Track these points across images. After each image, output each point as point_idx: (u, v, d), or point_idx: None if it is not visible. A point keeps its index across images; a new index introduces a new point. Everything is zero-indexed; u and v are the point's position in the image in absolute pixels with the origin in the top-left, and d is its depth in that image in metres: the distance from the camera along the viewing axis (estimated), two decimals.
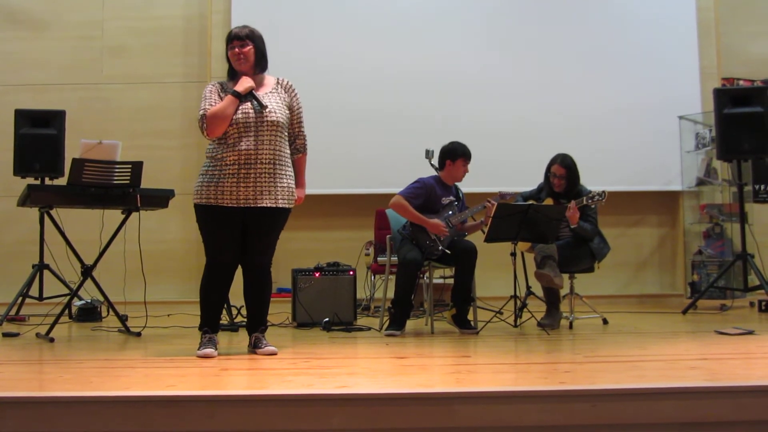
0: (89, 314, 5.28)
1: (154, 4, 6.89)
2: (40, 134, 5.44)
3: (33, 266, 5.40)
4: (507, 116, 6.60)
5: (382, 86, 6.61)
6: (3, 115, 6.06)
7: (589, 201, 4.70)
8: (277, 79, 3.77)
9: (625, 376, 2.89)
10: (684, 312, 5.52)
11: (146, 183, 4.56)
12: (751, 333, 4.14)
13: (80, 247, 4.78)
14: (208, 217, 3.59)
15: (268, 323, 3.86)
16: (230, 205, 3.54)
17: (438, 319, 4.98)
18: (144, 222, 4.52)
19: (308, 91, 6.51)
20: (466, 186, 4.91)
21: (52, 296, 5.39)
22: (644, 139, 6.61)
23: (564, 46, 6.72)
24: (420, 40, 6.66)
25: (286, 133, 3.70)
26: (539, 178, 5.02)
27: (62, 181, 4.88)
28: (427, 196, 4.64)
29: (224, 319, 4.93)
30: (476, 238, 4.68)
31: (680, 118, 6.64)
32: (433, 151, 4.90)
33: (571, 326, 4.66)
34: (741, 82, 6.66)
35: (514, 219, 4.43)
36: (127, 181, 4.43)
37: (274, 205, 3.59)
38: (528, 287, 5.10)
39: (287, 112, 3.69)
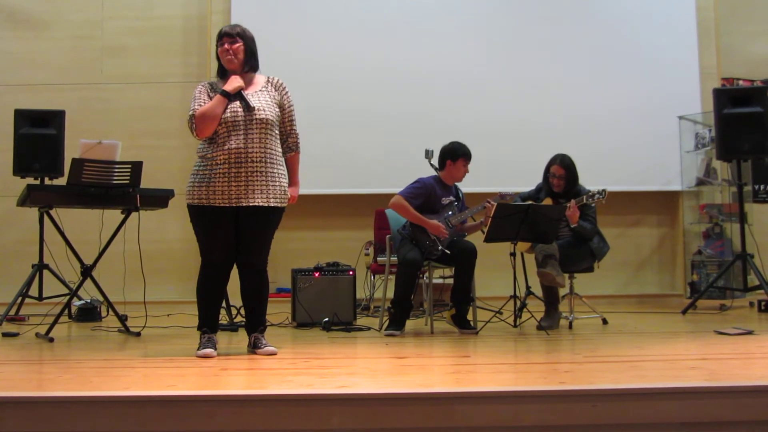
0: (89, 314, 5.28)
1: (154, 4, 6.88)
2: (39, 134, 5.44)
3: (33, 266, 5.39)
4: (507, 116, 6.60)
5: (382, 86, 6.61)
6: (2, 115, 6.05)
7: (590, 199, 4.70)
8: (268, 77, 3.76)
9: (625, 376, 2.89)
10: (684, 312, 5.52)
11: (146, 183, 4.56)
12: (750, 333, 4.14)
13: (80, 247, 4.77)
14: (201, 217, 3.59)
15: (268, 323, 3.86)
16: (222, 204, 3.54)
17: (438, 319, 4.98)
18: (143, 222, 4.52)
19: (308, 91, 6.61)
20: (465, 186, 4.91)
21: (51, 296, 5.38)
22: (644, 139, 6.61)
23: (563, 46, 6.71)
24: (420, 40, 6.66)
25: (277, 132, 3.69)
26: (539, 178, 5.02)
27: (62, 181, 4.88)
28: (426, 196, 4.64)
29: (224, 319, 4.94)
30: (476, 239, 4.68)
31: (680, 118, 6.64)
32: (432, 151, 4.90)
33: (570, 326, 4.66)
34: (741, 82, 6.66)
35: (513, 219, 4.43)
36: (127, 181, 4.43)
37: (266, 204, 3.58)
38: (527, 287, 5.10)
39: (277, 110, 3.68)
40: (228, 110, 3.56)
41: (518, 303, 4.68)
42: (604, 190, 4.69)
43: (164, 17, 6.86)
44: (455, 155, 4.68)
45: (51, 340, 4.20)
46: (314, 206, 6.62)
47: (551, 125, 6.54)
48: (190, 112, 3.57)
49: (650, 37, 6.72)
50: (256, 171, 3.56)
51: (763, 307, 5.67)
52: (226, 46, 3.63)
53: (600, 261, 4.91)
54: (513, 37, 6.74)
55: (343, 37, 6.67)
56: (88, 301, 5.30)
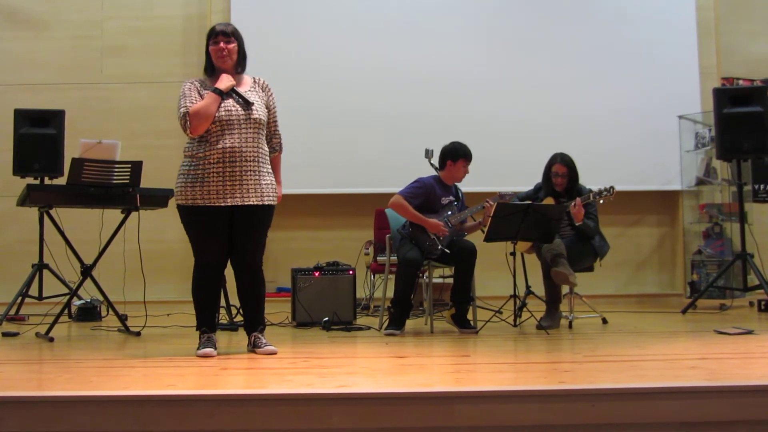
0: (89, 314, 5.28)
1: (154, 3, 6.88)
2: (39, 134, 5.44)
3: (32, 266, 5.39)
4: (507, 116, 6.59)
5: (382, 86, 6.61)
6: (2, 115, 6.04)
7: (597, 197, 4.69)
8: (254, 78, 3.78)
9: (625, 376, 2.89)
10: (683, 311, 5.52)
11: (146, 182, 4.56)
12: (750, 333, 4.14)
13: (80, 247, 4.77)
14: (194, 217, 3.59)
15: (267, 322, 3.86)
16: (217, 204, 3.54)
17: (437, 318, 4.98)
18: (143, 221, 4.52)
19: (308, 91, 6.62)
20: (465, 186, 4.91)
21: (51, 296, 5.38)
22: (644, 139, 6.61)
23: (563, 45, 6.71)
24: (420, 40, 6.65)
25: (265, 131, 3.71)
26: (538, 178, 5.01)
27: (62, 180, 4.88)
28: (426, 196, 4.64)
29: (224, 319, 4.94)
30: (476, 238, 4.68)
31: (680, 117, 6.64)
32: (432, 151, 4.90)
33: (570, 326, 4.66)
34: (740, 82, 6.65)
35: (513, 219, 4.43)
36: (127, 181, 4.43)
37: (260, 203, 3.59)
38: (527, 287, 5.10)
39: (266, 110, 3.71)
40: (222, 109, 3.56)
41: (518, 302, 4.68)
42: (611, 188, 4.68)
43: (164, 17, 6.86)
44: (455, 155, 4.68)
45: (51, 339, 4.20)
46: (314, 206, 6.62)
47: (551, 125, 6.54)
48: (183, 110, 3.56)
49: (650, 36, 6.72)
50: (250, 170, 3.57)
51: (763, 307, 5.66)
52: (221, 44, 3.63)
53: (602, 259, 4.91)
54: (513, 37, 6.73)
55: (343, 37, 6.67)
56: (88, 300, 5.30)
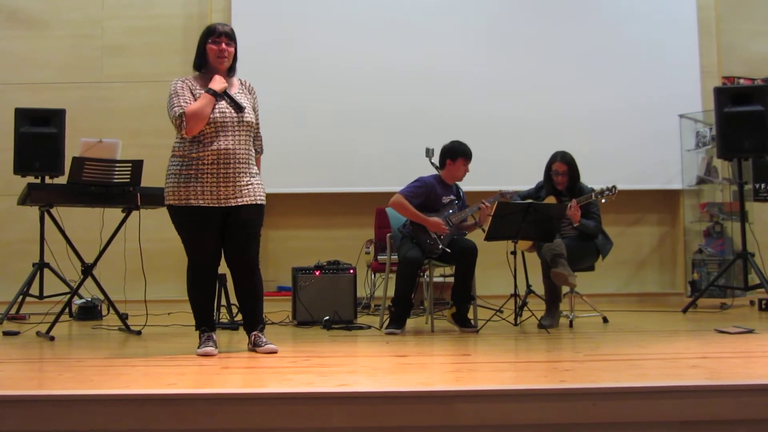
0: (89, 313, 5.29)
1: (154, 3, 6.88)
2: (40, 133, 5.44)
3: (33, 265, 5.40)
4: (507, 115, 6.59)
5: (382, 85, 6.60)
6: (3, 114, 6.05)
7: (599, 196, 4.69)
8: (240, 80, 3.80)
9: (626, 375, 2.89)
10: (684, 311, 5.52)
11: (146, 182, 4.56)
12: (751, 332, 4.14)
13: (80, 246, 4.77)
14: (187, 217, 3.59)
15: (267, 321, 3.86)
16: (211, 204, 3.55)
17: (438, 317, 4.98)
18: (144, 220, 4.53)
19: (308, 91, 6.63)
20: (466, 185, 4.91)
21: (52, 295, 5.39)
22: (644, 138, 6.61)
23: (564, 44, 6.71)
24: (420, 40, 6.65)
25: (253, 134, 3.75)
26: (539, 177, 5.01)
27: (62, 179, 4.88)
28: (427, 195, 4.64)
29: (224, 318, 4.94)
30: (477, 237, 4.68)
31: (681, 116, 6.64)
32: (433, 150, 4.90)
33: (571, 325, 4.66)
34: (741, 81, 6.65)
35: (514, 218, 4.43)
36: (128, 180, 4.43)
37: (253, 203, 3.62)
38: (528, 286, 5.10)
39: (254, 113, 3.74)
40: (216, 110, 3.57)
41: (519, 301, 4.68)
42: (614, 187, 4.67)
43: (164, 16, 6.86)
44: (455, 155, 4.68)
45: (52, 338, 4.20)
46: (315, 205, 6.62)
47: (551, 124, 6.54)
48: (178, 110, 3.54)
49: (651, 35, 6.71)
50: (242, 172, 3.60)
51: (763, 306, 5.66)
52: (223, 45, 3.64)
53: (605, 258, 4.91)
54: (513, 36, 6.73)
55: (343, 37, 6.67)
56: (89, 299, 5.31)
